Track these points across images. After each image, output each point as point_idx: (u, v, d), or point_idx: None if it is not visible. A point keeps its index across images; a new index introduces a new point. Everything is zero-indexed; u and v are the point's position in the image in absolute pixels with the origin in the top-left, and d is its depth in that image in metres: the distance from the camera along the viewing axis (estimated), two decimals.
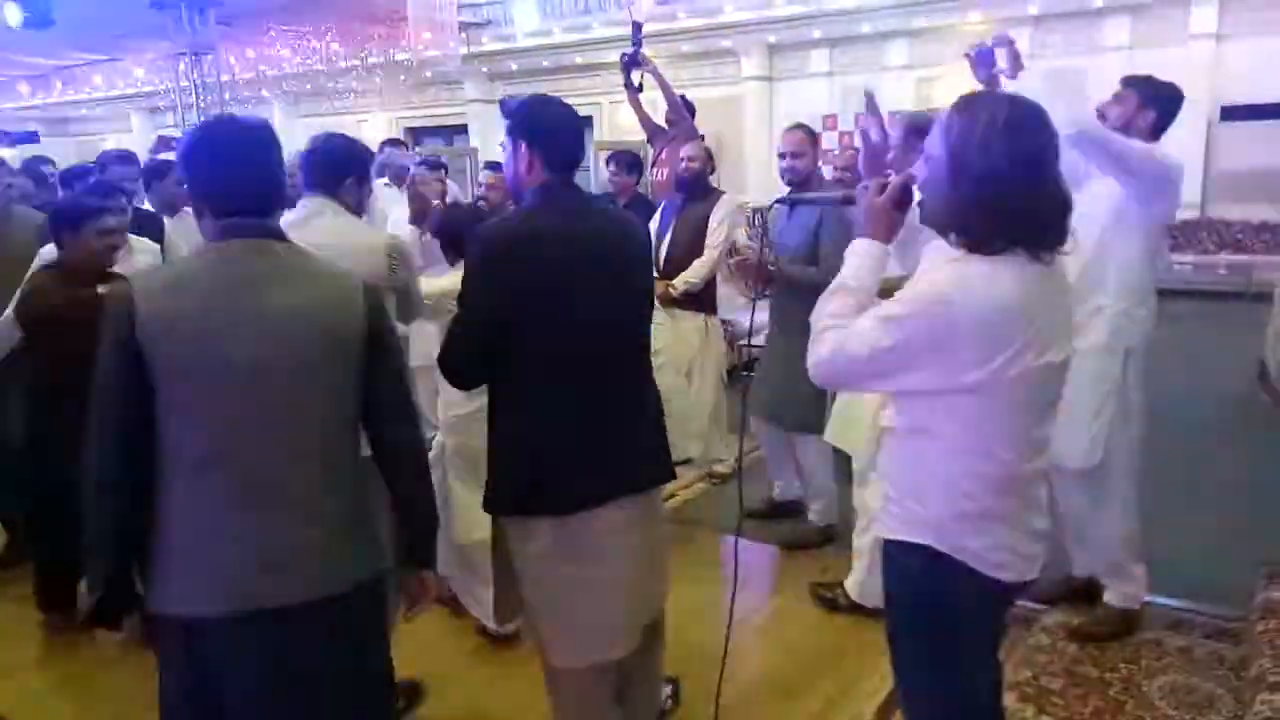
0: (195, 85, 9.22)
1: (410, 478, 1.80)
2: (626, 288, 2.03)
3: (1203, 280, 9.10)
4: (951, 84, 11.63)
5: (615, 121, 14.06)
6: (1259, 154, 9.69)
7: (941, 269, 1.54)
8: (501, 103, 2.48)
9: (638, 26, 4.98)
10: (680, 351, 4.23)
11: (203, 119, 1.71)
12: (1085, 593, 2.99)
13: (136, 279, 1.61)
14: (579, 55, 13.40)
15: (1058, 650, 2.77)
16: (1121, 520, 2.84)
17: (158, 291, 1.55)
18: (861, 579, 3.06)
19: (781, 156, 3.64)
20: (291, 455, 1.59)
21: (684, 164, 4.22)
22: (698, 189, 4.23)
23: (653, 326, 2.20)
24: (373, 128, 14.98)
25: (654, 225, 4.27)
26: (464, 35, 12.84)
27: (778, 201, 2.34)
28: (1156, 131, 2.72)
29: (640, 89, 4.88)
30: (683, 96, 5.72)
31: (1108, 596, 2.91)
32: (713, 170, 4.47)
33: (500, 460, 2.00)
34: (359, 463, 1.72)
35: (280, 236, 1.66)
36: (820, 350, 1.61)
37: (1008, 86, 2.49)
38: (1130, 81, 2.78)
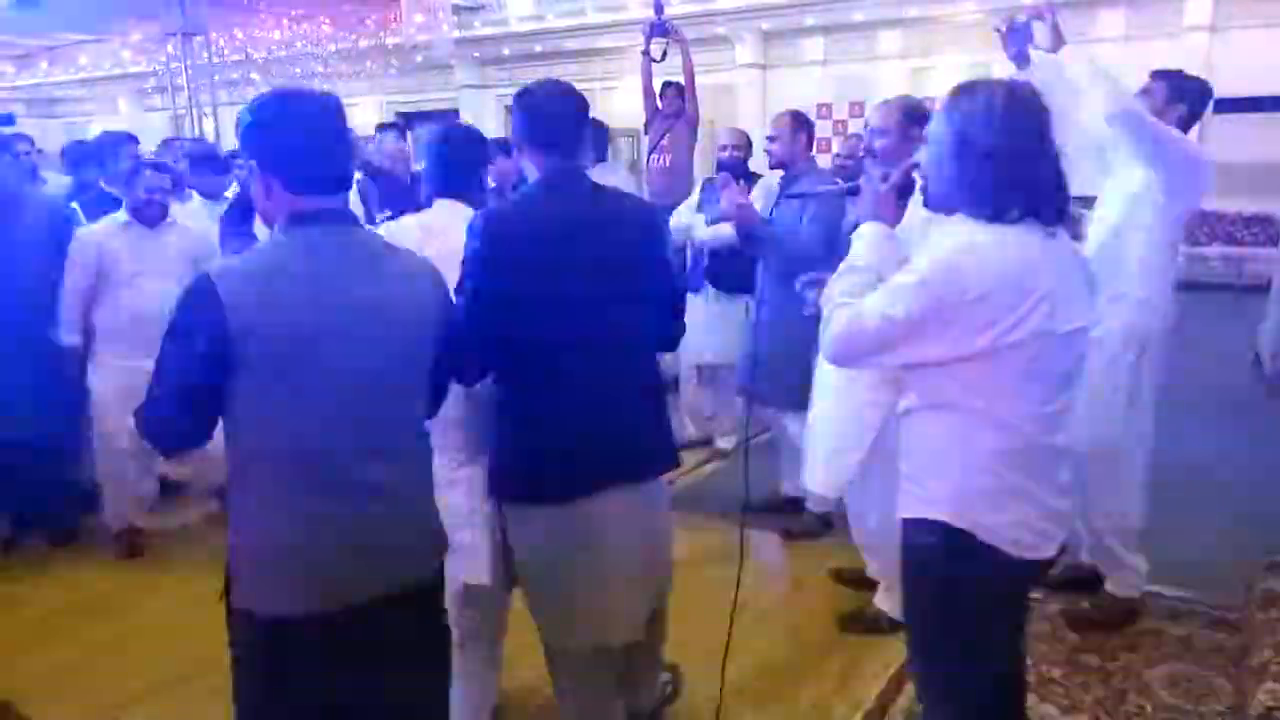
0: (185, 67, 9.08)
1: None
2: (630, 272, 1.99)
3: (1196, 272, 9.13)
4: (945, 74, 11.64)
5: (607, 108, 13.98)
6: (1252, 147, 9.72)
7: (948, 239, 1.59)
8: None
9: None
10: (731, 338, 4.29)
11: (269, 91, 1.62)
12: (1088, 581, 3.00)
13: (218, 266, 1.55)
14: (572, 40, 13.32)
15: (1059, 638, 2.78)
16: (1123, 509, 2.84)
17: (246, 280, 1.48)
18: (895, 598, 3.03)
19: (769, 140, 3.70)
20: (376, 451, 1.57)
21: (729, 151, 4.35)
22: (740, 174, 4.30)
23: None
24: (363, 112, 14.85)
25: (691, 208, 4.43)
26: (456, 19, 12.74)
27: (787, 196, 2.30)
28: (1185, 125, 2.74)
29: (660, 59, 4.82)
30: (675, 83, 5.71)
31: (1109, 585, 2.92)
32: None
33: (500, 445, 2.00)
34: (428, 451, 1.73)
35: (357, 221, 1.64)
36: (833, 328, 1.65)
37: (1035, 68, 2.51)
38: (1160, 75, 2.80)
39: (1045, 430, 1.61)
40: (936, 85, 11.44)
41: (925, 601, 1.72)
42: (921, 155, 1.71)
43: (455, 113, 15.00)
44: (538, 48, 13.66)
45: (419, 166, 5.21)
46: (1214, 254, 9.45)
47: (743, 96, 12.74)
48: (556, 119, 1.95)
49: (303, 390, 1.48)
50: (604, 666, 2.10)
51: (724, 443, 4.55)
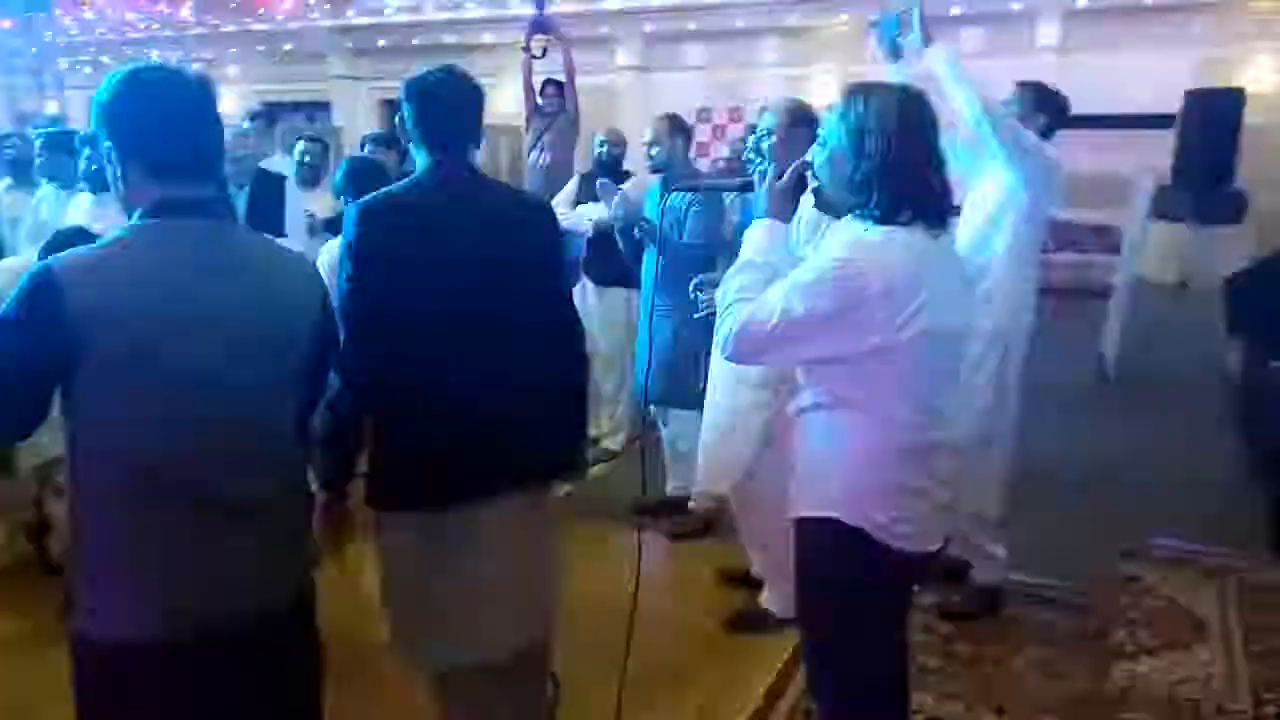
0: (26, 47, 8.40)
1: None
2: (521, 271, 1.91)
3: (1046, 277, 9.71)
4: (821, 83, 11.99)
5: (491, 102, 13.76)
6: (1097, 160, 10.41)
7: (845, 239, 1.63)
8: None
9: None
10: (613, 334, 4.37)
11: (131, 66, 1.46)
12: (955, 572, 3.13)
13: (64, 255, 1.38)
14: (451, 34, 13.04)
15: (932, 629, 2.89)
16: (987, 500, 2.97)
17: (90, 272, 1.33)
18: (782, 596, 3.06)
19: (648, 144, 3.76)
20: (232, 461, 1.44)
21: (607, 147, 4.49)
22: (618, 171, 4.46)
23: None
24: (227, 102, 14.13)
25: (567, 202, 4.48)
26: (328, 7, 12.29)
27: (677, 188, 2.31)
28: (1045, 135, 2.88)
29: (540, 56, 4.78)
30: (556, 81, 5.68)
31: (974, 574, 3.06)
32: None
33: (374, 449, 1.88)
34: (300, 460, 1.61)
35: (229, 213, 1.50)
36: (730, 324, 1.65)
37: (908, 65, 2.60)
38: (1024, 85, 2.94)
39: (932, 426, 1.66)
40: (813, 92, 11.82)
41: (818, 598, 1.74)
42: (814, 155, 1.74)
43: (326, 105, 14.47)
44: (415, 40, 13.32)
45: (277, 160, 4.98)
46: (1062, 260, 10.04)
47: (623, 98, 12.76)
48: (451, 108, 1.89)
49: (148, 394, 1.35)
50: (491, 684, 2.01)
51: (611, 443, 4.54)
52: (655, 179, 3.92)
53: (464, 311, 1.82)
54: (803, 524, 1.73)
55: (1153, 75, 10.22)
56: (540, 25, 4.69)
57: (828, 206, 1.75)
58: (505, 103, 14.12)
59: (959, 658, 2.73)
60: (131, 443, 1.36)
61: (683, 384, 3.62)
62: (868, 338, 1.56)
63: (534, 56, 4.69)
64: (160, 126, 1.40)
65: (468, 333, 1.83)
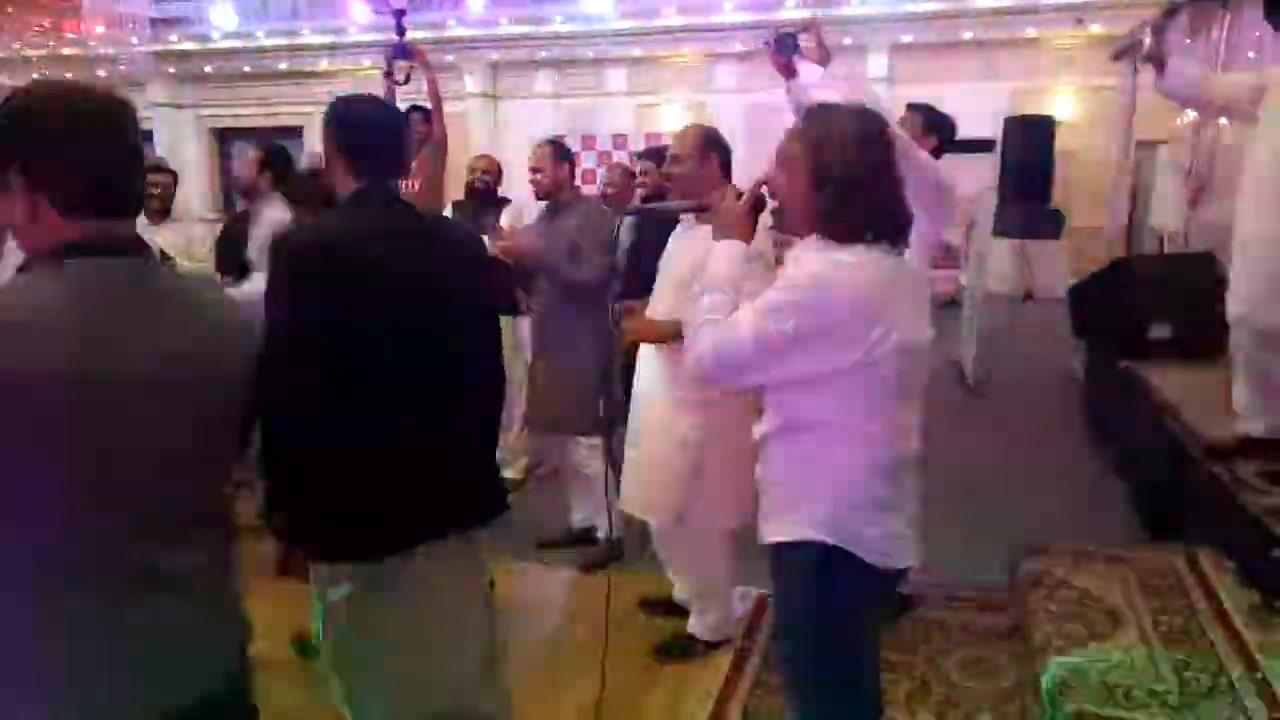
0: None
1: None
2: (452, 299, 1.81)
3: None
4: (670, 112, 12.27)
5: None
6: None
7: (814, 260, 1.62)
8: None
9: (400, 13, 4.69)
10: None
11: (37, 82, 1.23)
12: None
13: None
14: (286, 62, 12.50)
15: None
16: None
17: None
18: (709, 621, 3.01)
19: (533, 171, 3.69)
20: (173, 534, 1.25)
21: (479, 175, 4.48)
22: (490, 198, 4.47)
23: None
24: None
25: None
26: (148, 31, 11.52)
27: (629, 212, 2.23)
28: (935, 155, 2.99)
29: (404, 82, 4.58)
30: (421, 107, 5.54)
31: None
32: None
33: (304, 500, 1.71)
34: (229, 529, 1.41)
35: (147, 252, 1.29)
36: (702, 346, 1.62)
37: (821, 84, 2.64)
38: (914, 107, 3.05)
39: (903, 441, 1.67)
40: (662, 121, 12.06)
41: (802, 620, 1.71)
42: (772, 174, 1.72)
43: (148, 134, 13.52)
44: (246, 67, 12.67)
45: None
46: None
47: (474, 125, 12.60)
48: (384, 134, 1.81)
49: (68, 461, 1.15)
50: None
51: (509, 471, 4.39)
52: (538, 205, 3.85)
53: (400, 348, 1.71)
54: (783, 549, 1.70)
55: (971, 104, 11.08)
56: (403, 51, 4.50)
57: (788, 226, 1.73)
58: None
59: (891, 663, 2.76)
60: (43, 521, 1.15)
61: (584, 411, 3.55)
62: (842, 356, 1.56)
63: (397, 83, 4.49)
64: (76, 153, 1.21)
65: (405, 370, 1.72)
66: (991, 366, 6.39)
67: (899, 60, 11.70)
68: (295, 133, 13.03)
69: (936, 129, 3.05)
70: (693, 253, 2.72)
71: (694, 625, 3.03)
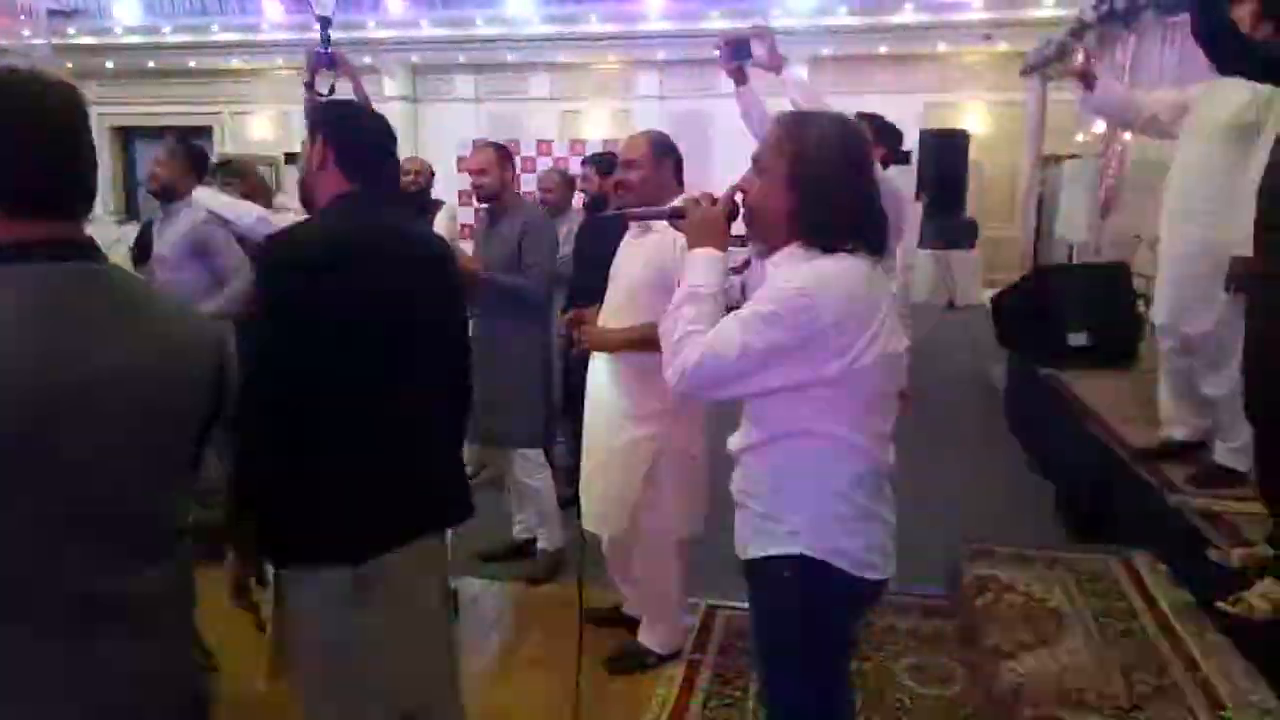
0: None
1: None
2: (430, 305, 1.82)
3: None
4: (594, 117, 12.26)
5: (241, 133, 12.83)
6: None
7: (796, 269, 1.59)
8: None
9: (325, 22, 4.51)
10: None
11: None
12: None
13: None
14: (194, 59, 12.03)
15: None
16: None
17: None
18: (661, 632, 2.96)
19: (478, 174, 3.57)
20: (129, 558, 1.15)
21: (412, 178, 4.24)
22: (423, 200, 4.32)
23: None
24: None
25: None
26: (45, 23, 10.90)
27: (603, 217, 2.17)
28: (884, 165, 3.03)
29: (329, 94, 4.38)
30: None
31: None
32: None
33: (282, 499, 1.66)
34: (187, 555, 1.30)
35: (99, 255, 1.18)
36: (685, 358, 1.57)
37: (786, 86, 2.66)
38: (864, 116, 3.07)
39: (883, 450, 1.66)
40: (585, 128, 12.03)
41: (785, 636, 1.68)
42: (749, 180, 1.69)
43: None
44: (150, 64, 12.15)
45: None
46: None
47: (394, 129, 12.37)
48: (377, 137, 1.81)
49: (14, 487, 1.06)
50: None
51: None
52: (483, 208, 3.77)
53: (386, 348, 1.71)
54: (762, 564, 1.66)
55: (887, 116, 11.40)
56: (327, 59, 4.25)
57: (764, 234, 1.71)
58: (261, 130, 13.27)
59: None
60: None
61: (524, 425, 3.49)
62: (828, 365, 1.54)
63: (320, 95, 4.20)
64: (22, 148, 1.11)
65: (389, 370, 1.72)
66: (921, 373, 6.53)
67: (817, 72, 11.91)
68: (204, 132, 12.58)
69: (886, 138, 3.10)
70: (646, 260, 2.70)
71: (645, 637, 2.99)
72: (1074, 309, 5.29)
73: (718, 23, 10.20)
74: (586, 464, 2.84)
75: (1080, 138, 7.75)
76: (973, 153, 10.90)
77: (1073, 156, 9.30)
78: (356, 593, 1.68)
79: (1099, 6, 6.37)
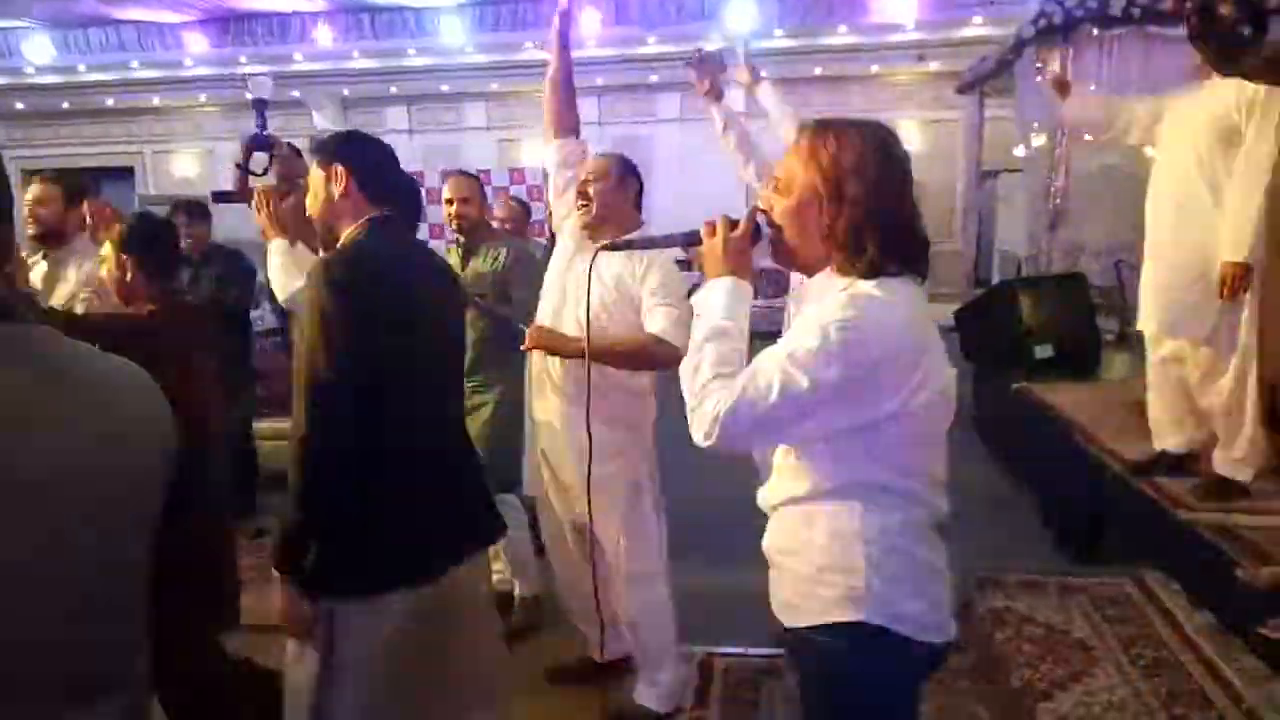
0: None
1: None
2: (454, 327, 1.98)
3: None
4: (532, 145, 12.09)
5: (165, 170, 12.35)
6: None
7: (840, 298, 1.40)
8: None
9: (261, 104, 4.16)
10: None
11: None
12: None
13: None
14: (112, 98, 11.54)
15: None
16: None
17: None
18: (663, 686, 2.75)
19: (449, 203, 3.38)
20: (80, 688, 0.91)
21: None
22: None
23: None
24: None
25: None
26: None
27: (609, 247, 1.96)
28: None
29: (261, 174, 3.92)
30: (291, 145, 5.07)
31: None
32: None
33: (343, 526, 1.67)
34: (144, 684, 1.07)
35: (24, 306, 0.94)
36: (717, 404, 1.36)
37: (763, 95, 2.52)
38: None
39: (940, 496, 1.49)
40: (524, 155, 11.86)
41: (844, 712, 1.49)
42: (770, 200, 1.52)
43: None
44: (65, 104, 11.62)
45: None
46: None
47: None
48: (391, 161, 1.91)
49: None
50: None
51: None
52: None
53: (429, 368, 1.81)
54: (811, 633, 1.47)
55: None
56: (261, 142, 3.84)
57: (794, 260, 1.53)
58: (185, 168, 12.78)
59: None
60: None
61: (496, 468, 3.27)
62: (880, 406, 1.37)
63: (253, 173, 3.78)
64: None
65: (433, 392, 1.84)
66: None
67: (750, 92, 11.97)
68: (126, 173, 12.07)
69: None
70: (598, 276, 2.53)
71: (643, 694, 2.77)
72: (1037, 321, 5.29)
73: (655, 48, 10.17)
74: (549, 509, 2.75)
75: (1020, 151, 7.85)
76: None
77: (1012, 170, 9.42)
78: (419, 615, 1.72)
79: (1037, 22, 6.45)
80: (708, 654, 3.05)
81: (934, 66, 11.00)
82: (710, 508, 3.30)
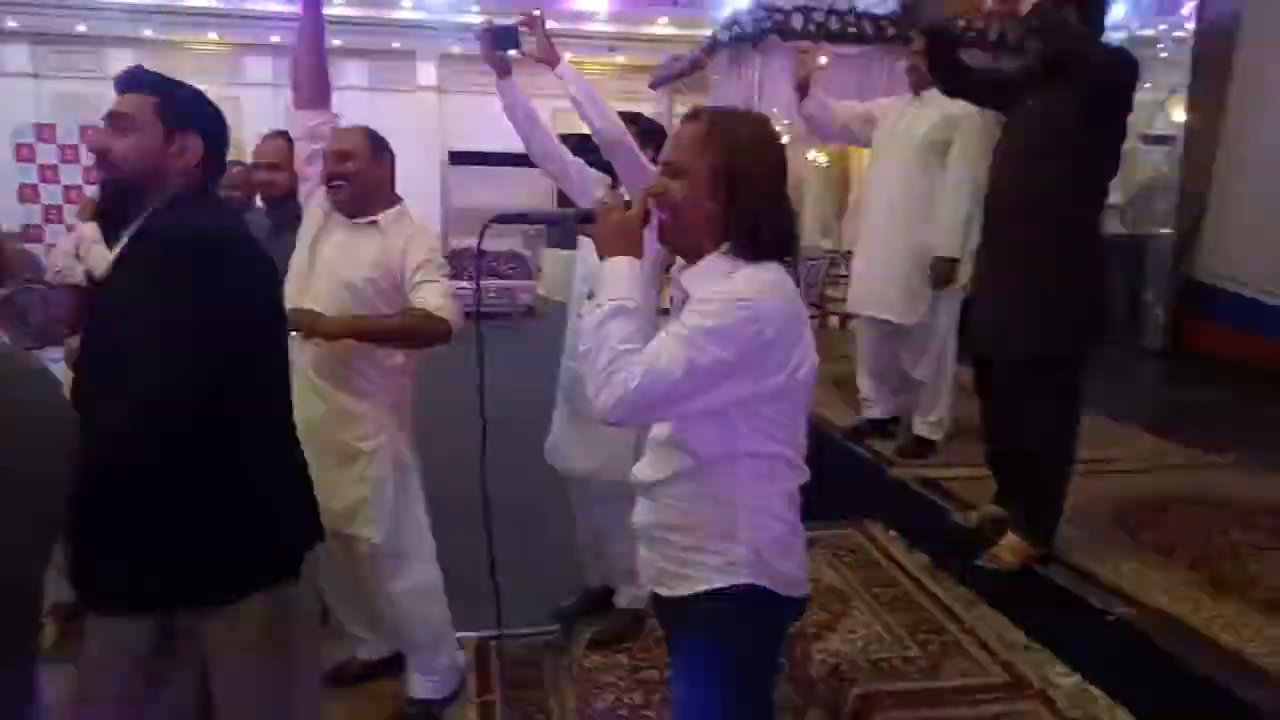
0: None
1: None
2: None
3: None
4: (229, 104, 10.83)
5: None
6: (487, 193, 11.34)
7: (732, 279, 1.48)
8: None
9: None
10: None
11: None
12: (600, 603, 3.10)
13: None
14: None
15: (613, 666, 2.81)
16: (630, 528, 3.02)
17: None
18: (437, 674, 2.63)
19: (255, 168, 2.99)
20: None
21: None
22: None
23: None
24: None
25: None
26: None
27: (500, 220, 1.78)
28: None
29: None
30: None
31: (620, 600, 3.07)
32: None
33: (204, 537, 1.53)
34: None
35: None
36: (625, 379, 1.39)
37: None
38: (627, 116, 2.98)
39: (802, 466, 1.61)
40: None
41: (721, 672, 1.56)
42: (663, 184, 1.54)
43: None
44: None
45: None
46: (491, 286, 10.57)
47: None
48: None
49: None
50: None
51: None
52: None
53: (274, 349, 1.73)
54: (706, 599, 1.53)
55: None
56: None
57: (683, 242, 1.57)
58: None
59: (652, 684, 2.71)
60: None
61: None
62: (772, 379, 1.46)
63: None
64: None
65: (281, 372, 1.76)
66: None
67: (447, 69, 11.74)
68: None
69: (653, 139, 3.03)
70: (373, 260, 2.39)
71: (419, 688, 2.64)
72: None
73: (343, 9, 9.57)
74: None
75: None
76: None
77: None
78: (284, 608, 1.65)
79: (731, 29, 7.00)
80: (479, 640, 2.99)
81: (622, 59, 11.48)
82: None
